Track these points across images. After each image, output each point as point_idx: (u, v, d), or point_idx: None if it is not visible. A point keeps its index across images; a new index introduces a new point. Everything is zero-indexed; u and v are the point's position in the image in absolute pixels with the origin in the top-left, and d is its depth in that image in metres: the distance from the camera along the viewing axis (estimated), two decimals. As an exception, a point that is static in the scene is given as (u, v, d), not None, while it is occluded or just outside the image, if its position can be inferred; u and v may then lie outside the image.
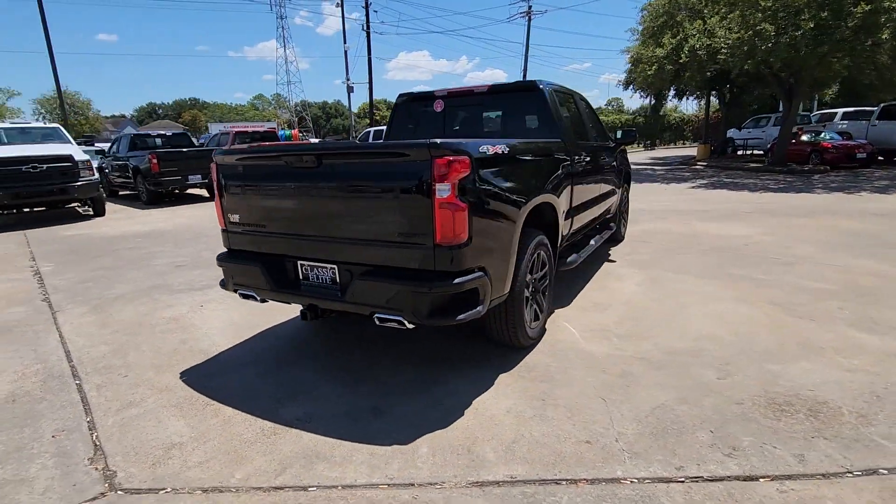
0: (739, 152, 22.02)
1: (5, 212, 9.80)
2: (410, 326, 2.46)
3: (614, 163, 5.59)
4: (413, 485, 2.02)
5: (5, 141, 10.40)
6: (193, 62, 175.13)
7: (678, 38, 13.79)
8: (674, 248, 5.89)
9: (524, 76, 32.05)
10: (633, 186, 12.73)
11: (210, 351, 3.43)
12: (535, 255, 3.20)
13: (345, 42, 26.13)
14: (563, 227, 3.81)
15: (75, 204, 10.76)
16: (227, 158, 2.98)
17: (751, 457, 2.11)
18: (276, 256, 2.91)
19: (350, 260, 2.63)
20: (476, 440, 2.30)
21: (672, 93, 21.74)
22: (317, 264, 2.78)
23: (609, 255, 5.71)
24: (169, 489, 2.05)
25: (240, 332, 3.74)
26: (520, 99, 3.99)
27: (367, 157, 2.54)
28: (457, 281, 2.38)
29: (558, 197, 3.53)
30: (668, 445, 2.21)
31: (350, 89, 25.63)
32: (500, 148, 2.69)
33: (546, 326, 3.59)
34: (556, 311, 3.95)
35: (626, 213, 6.72)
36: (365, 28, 30.91)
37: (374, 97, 29.99)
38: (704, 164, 18.84)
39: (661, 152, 29.70)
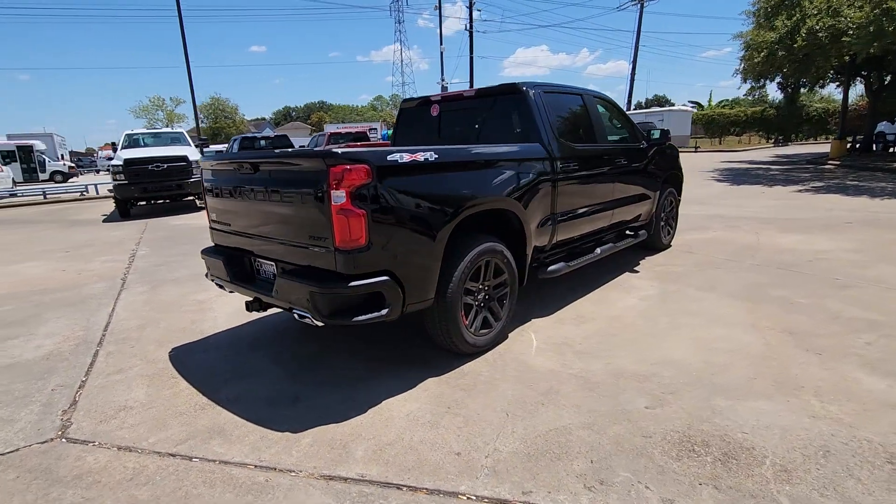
0: (892, 149, 18.53)
1: (139, 203, 11.81)
2: (319, 324, 2.63)
3: (647, 166, 5.18)
4: (275, 469, 2.20)
5: (142, 144, 12.52)
6: (327, 68, 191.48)
7: (794, 18, 11.95)
8: (717, 262, 5.28)
9: (633, 67, 30.04)
10: (724, 189, 11.49)
11: (207, 332, 3.93)
12: (484, 262, 3.17)
13: (441, 44, 26.92)
14: (540, 236, 3.69)
15: (193, 197, 12.56)
16: (207, 164, 3.40)
17: (611, 493, 1.94)
18: (237, 252, 3.26)
19: (282, 258, 2.88)
20: (358, 437, 2.41)
21: (802, 81, 18.87)
22: (264, 261, 3.07)
23: (637, 264, 5.31)
24: (96, 443, 2.46)
25: (241, 317, 4.20)
26: (503, 102, 3.91)
27: (284, 165, 2.76)
28: (352, 284, 2.50)
29: (525, 205, 3.43)
30: (534, 469, 2.11)
31: (444, 90, 26.19)
32: (421, 156, 2.74)
33: (509, 334, 3.52)
34: (533, 320, 3.83)
35: (674, 221, 6.15)
36: (468, 28, 31.40)
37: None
38: (837, 163, 16.16)
39: (794, 149, 26.03)
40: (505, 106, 3.91)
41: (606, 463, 2.13)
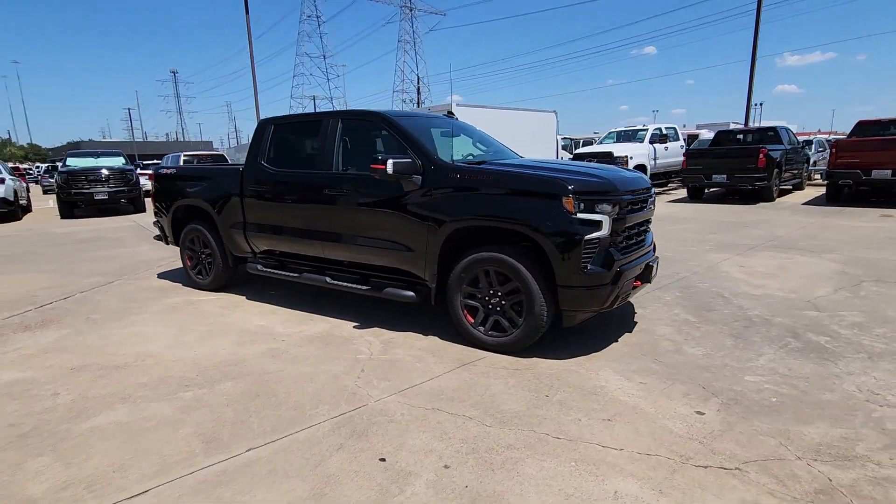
0: None
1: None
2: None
3: (403, 205, 3.79)
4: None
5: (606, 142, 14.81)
6: None
7: None
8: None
9: None
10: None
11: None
12: (195, 235, 5.39)
13: None
14: (236, 237, 4.97)
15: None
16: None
17: None
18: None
19: None
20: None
21: None
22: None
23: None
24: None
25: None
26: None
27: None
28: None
29: (216, 208, 5.04)
30: None
31: None
32: (170, 170, 5.62)
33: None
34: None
35: (520, 314, 3.38)
36: None
37: None
38: None
39: None
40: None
41: None
